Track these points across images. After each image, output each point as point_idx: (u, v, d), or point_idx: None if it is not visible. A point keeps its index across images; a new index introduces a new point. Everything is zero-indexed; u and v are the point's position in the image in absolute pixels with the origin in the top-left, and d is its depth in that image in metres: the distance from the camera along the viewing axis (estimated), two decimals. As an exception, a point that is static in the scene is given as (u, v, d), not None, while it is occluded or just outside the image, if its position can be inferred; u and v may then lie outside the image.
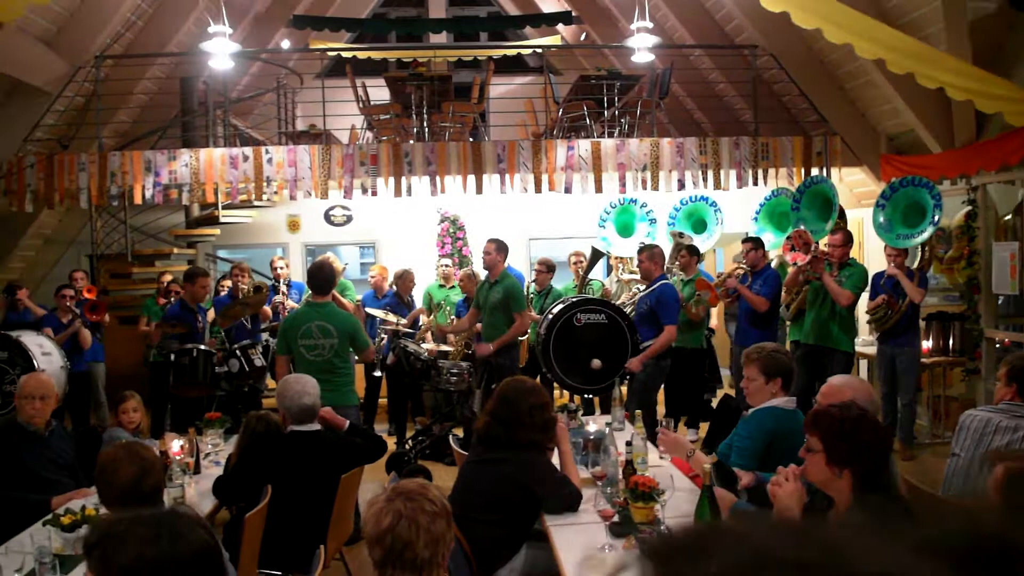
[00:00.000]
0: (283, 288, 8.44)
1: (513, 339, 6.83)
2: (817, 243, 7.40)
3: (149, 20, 9.22)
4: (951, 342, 7.58)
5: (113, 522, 1.67)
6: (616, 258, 9.29)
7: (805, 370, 6.94)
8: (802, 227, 7.67)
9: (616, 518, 3.20)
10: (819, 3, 6.29)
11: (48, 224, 9.69)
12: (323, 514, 3.94)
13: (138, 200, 8.13)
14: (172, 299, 7.70)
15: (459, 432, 7.11)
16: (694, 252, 7.87)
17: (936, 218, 6.91)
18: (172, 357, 6.74)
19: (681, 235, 8.60)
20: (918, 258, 7.39)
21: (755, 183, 8.56)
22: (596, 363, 6.24)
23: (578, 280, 8.54)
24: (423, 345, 7.86)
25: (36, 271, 9.87)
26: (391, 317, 7.89)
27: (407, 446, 7.21)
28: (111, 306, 8.49)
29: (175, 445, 4.35)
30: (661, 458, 4.16)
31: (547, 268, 8.43)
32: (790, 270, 7.46)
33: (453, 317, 8.31)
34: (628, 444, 3.90)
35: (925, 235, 7.01)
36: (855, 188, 9.42)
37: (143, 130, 9.26)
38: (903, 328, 6.86)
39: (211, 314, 7.66)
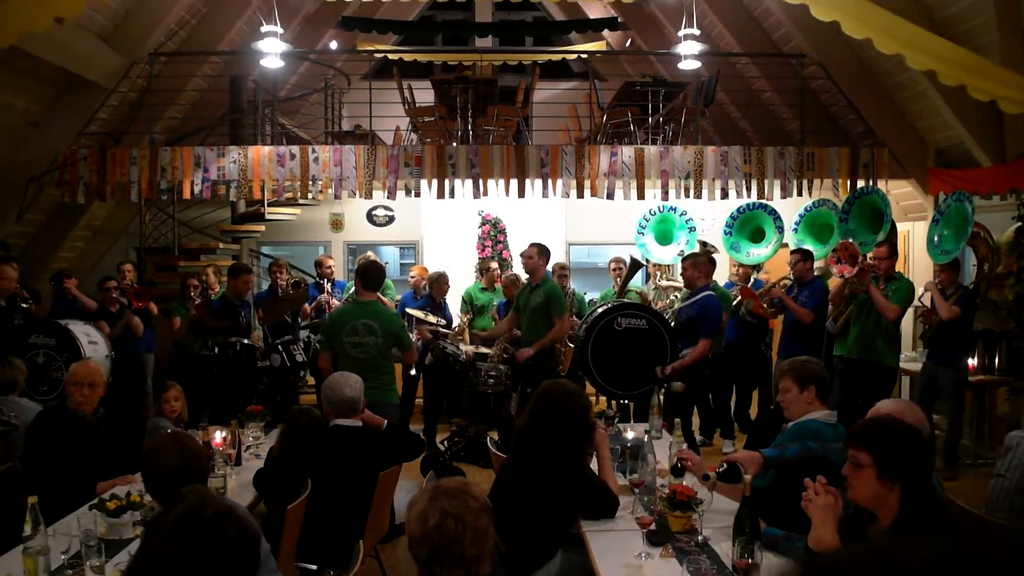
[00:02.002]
0: (327, 286, 8.55)
1: (552, 343, 6.82)
2: (864, 256, 7.30)
3: (203, 19, 9.38)
4: (997, 360, 7.43)
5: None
6: (654, 266, 9.28)
7: (846, 385, 6.84)
8: (849, 239, 7.56)
9: (653, 526, 3.19)
10: (870, 13, 6.20)
11: (98, 216, 9.91)
12: (362, 510, 3.98)
13: (187, 195, 8.30)
14: (195, 296, 7.85)
15: (495, 435, 7.13)
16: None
17: (970, 230, 6.79)
18: (216, 350, 6.86)
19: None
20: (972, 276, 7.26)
21: (799, 194, 8.47)
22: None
23: (617, 287, 8.52)
24: (461, 347, 7.89)
25: (85, 262, 10.08)
26: (431, 318, 7.93)
27: (443, 447, 7.24)
28: (156, 298, 8.62)
29: (217, 436, 4.44)
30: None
31: (562, 270, 8.43)
32: (831, 282, 7.37)
33: (495, 321, 8.33)
34: (671, 449, 3.88)
35: (959, 246, 6.88)
36: (901, 201, 9.27)
37: (193, 126, 9.42)
38: (947, 345, 6.75)
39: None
